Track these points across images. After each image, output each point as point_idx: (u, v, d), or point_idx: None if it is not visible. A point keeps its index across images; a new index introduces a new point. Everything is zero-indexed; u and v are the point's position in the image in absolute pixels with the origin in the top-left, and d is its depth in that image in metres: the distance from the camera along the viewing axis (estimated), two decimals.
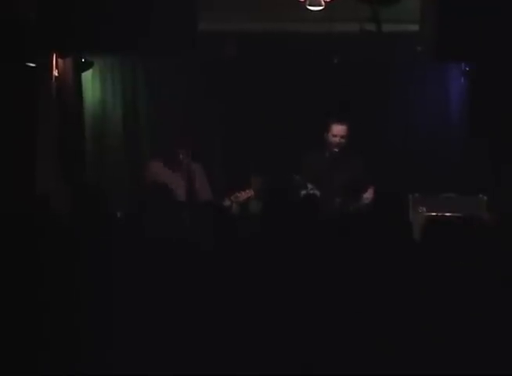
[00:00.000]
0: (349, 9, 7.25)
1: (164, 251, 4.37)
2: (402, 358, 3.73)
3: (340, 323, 3.88)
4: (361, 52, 7.80)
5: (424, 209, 6.76)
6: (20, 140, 6.95)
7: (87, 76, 8.05)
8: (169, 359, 3.83)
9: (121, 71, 8.35)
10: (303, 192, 6.74)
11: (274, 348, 3.83)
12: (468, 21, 6.75)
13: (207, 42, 7.49)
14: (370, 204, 6.40)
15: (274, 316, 3.92)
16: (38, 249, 4.32)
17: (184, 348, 3.85)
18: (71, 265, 4.21)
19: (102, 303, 3.97)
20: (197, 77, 8.23)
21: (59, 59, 7.39)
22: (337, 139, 7.16)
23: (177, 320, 3.92)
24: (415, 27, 7.38)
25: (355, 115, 7.66)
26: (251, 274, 4.12)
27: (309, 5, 7.24)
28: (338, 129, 7.19)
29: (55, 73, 7.34)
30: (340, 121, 7.19)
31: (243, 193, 6.70)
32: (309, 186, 6.84)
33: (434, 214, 6.59)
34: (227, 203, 6.65)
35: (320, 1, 7.20)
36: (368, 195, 6.75)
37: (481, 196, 7.00)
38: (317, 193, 6.75)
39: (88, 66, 7.82)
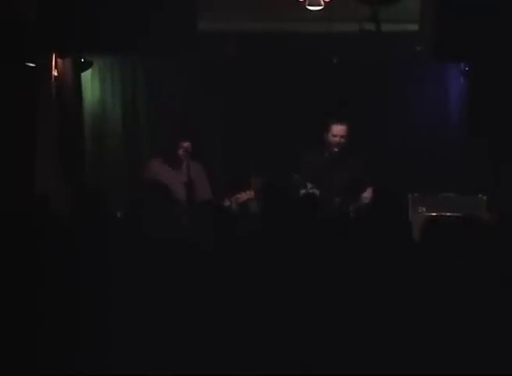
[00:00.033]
0: (348, 8, 7.25)
1: (163, 251, 4.37)
2: (402, 358, 3.74)
3: (339, 323, 3.89)
4: (360, 52, 7.80)
5: (424, 209, 6.77)
6: (20, 140, 6.95)
7: (86, 76, 8.05)
8: (169, 359, 3.84)
9: (121, 71, 8.35)
10: (302, 191, 6.75)
11: (274, 348, 3.83)
12: (467, 21, 6.75)
13: (207, 42, 7.50)
14: (370, 204, 6.40)
15: (274, 315, 3.92)
16: (38, 249, 4.31)
17: (184, 348, 3.85)
18: (71, 265, 4.21)
19: (102, 303, 3.98)
20: (197, 77, 8.23)
21: (59, 59, 7.39)
22: (336, 139, 7.17)
23: (177, 320, 3.93)
24: (414, 27, 7.38)
25: (354, 115, 7.67)
26: (251, 273, 4.12)
27: (309, 5, 7.24)
28: (338, 129, 7.20)
29: (55, 73, 7.34)
30: (339, 121, 7.20)
31: (243, 194, 6.70)
32: (309, 185, 6.85)
33: (433, 214, 6.60)
34: (227, 203, 6.66)
35: (319, 1, 7.20)
36: (367, 195, 6.76)
37: (480, 195, 7.00)
38: (316, 192, 6.76)
39: (87, 66, 7.82)
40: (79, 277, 4.13)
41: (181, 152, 7.26)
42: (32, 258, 4.21)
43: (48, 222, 4.76)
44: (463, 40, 6.81)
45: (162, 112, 8.23)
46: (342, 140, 7.19)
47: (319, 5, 7.22)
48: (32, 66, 6.94)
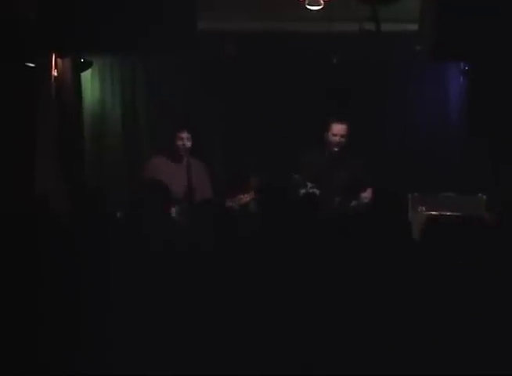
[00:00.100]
0: (348, 8, 7.25)
1: (163, 251, 4.37)
2: (402, 358, 3.74)
3: (339, 323, 3.89)
4: (360, 52, 7.80)
5: (423, 208, 6.77)
6: (20, 140, 6.95)
7: (86, 76, 8.04)
8: (169, 359, 3.84)
9: (121, 71, 8.35)
10: (302, 191, 6.75)
11: (274, 348, 3.84)
12: (467, 21, 6.74)
13: (206, 42, 7.49)
14: (370, 203, 6.40)
15: (274, 315, 3.92)
16: (38, 249, 4.32)
17: (184, 348, 3.85)
18: (71, 265, 4.21)
19: (102, 303, 3.98)
20: (197, 77, 8.23)
21: (59, 59, 7.39)
22: (337, 139, 7.19)
23: (177, 320, 3.93)
24: (414, 27, 7.38)
25: (354, 114, 7.67)
26: (251, 273, 4.12)
27: (308, 5, 7.23)
28: (338, 128, 7.21)
29: (55, 73, 7.33)
30: (340, 121, 7.21)
31: (245, 195, 6.70)
32: (309, 184, 6.85)
33: (433, 213, 6.60)
34: (229, 204, 6.66)
35: (319, 1, 7.19)
36: (367, 194, 6.76)
37: (480, 195, 7.00)
38: (316, 192, 6.76)
39: (87, 66, 7.81)
40: (79, 277, 4.13)
41: (179, 143, 7.26)
42: (32, 258, 4.21)
43: (48, 222, 4.77)
44: (463, 40, 6.81)
45: (162, 112, 8.23)
46: (342, 139, 7.20)
47: (319, 5, 7.22)
48: (32, 66, 6.94)
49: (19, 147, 6.92)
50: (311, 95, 8.04)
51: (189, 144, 7.30)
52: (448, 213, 6.34)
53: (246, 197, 6.70)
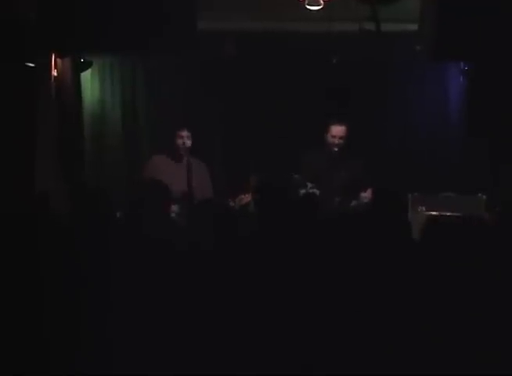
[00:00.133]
0: (348, 8, 7.25)
1: (163, 251, 4.37)
2: (402, 358, 3.74)
3: (339, 323, 3.89)
4: (360, 52, 7.80)
5: (423, 208, 6.77)
6: (20, 140, 6.94)
7: (86, 76, 8.05)
8: (169, 359, 3.84)
9: (120, 71, 8.35)
10: (302, 191, 6.75)
11: (274, 347, 3.84)
12: (467, 21, 6.74)
13: (206, 41, 7.49)
14: (370, 203, 6.40)
15: (274, 315, 3.92)
16: (38, 248, 4.32)
17: (184, 348, 3.85)
18: (71, 265, 4.21)
19: (103, 303, 3.98)
20: (197, 77, 8.23)
21: (59, 59, 7.39)
22: (335, 140, 7.20)
23: (177, 320, 3.93)
24: (414, 27, 7.37)
25: (353, 114, 7.68)
26: (251, 273, 4.12)
27: (308, 5, 7.23)
28: (337, 130, 7.22)
29: (55, 73, 7.33)
30: (339, 122, 7.22)
31: (246, 195, 6.71)
32: (309, 184, 6.86)
33: (433, 213, 6.60)
34: (231, 204, 6.66)
35: (319, 1, 7.19)
36: (367, 194, 6.76)
37: (480, 195, 7.00)
38: (316, 192, 6.76)
39: (87, 65, 7.81)
40: (79, 277, 4.13)
41: (179, 142, 7.26)
42: (32, 258, 4.21)
43: (48, 222, 4.77)
44: (463, 40, 6.81)
45: (162, 112, 8.23)
46: (341, 141, 7.22)
47: (319, 5, 7.21)
48: (32, 66, 6.94)
49: (19, 147, 6.92)
50: (311, 95, 8.04)
51: (189, 143, 7.30)
52: (448, 213, 6.35)
53: (246, 197, 6.70)
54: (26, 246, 4.30)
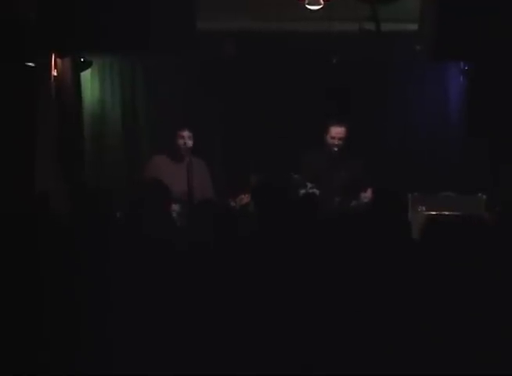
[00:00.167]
0: (348, 8, 7.25)
1: (163, 251, 4.37)
2: (402, 358, 3.74)
3: (340, 323, 3.89)
4: (360, 52, 7.80)
5: (423, 208, 6.77)
6: (20, 140, 6.95)
7: (86, 75, 8.05)
8: (169, 359, 3.84)
9: (120, 71, 8.35)
10: (302, 191, 6.75)
11: (274, 347, 3.84)
12: (467, 20, 6.74)
13: (206, 41, 7.49)
14: (369, 203, 6.41)
15: (274, 315, 3.92)
16: (38, 248, 4.32)
17: (184, 348, 3.85)
18: (71, 265, 4.21)
19: (102, 303, 3.98)
20: (196, 77, 8.23)
21: (59, 59, 7.39)
22: (335, 141, 7.21)
23: (177, 320, 3.93)
24: (414, 27, 7.37)
25: (353, 114, 7.68)
26: (251, 273, 4.12)
27: (308, 4, 7.23)
28: (337, 131, 7.23)
29: (55, 73, 7.34)
30: (338, 123, 7.22)
31: (246, 195, 6.71)
32: (308, 184, 6.85)
33: (433, 213, 6.60)
34: (231, 204, 6.66)
35: (319, 1, 7.19)
36: (367, 194, 6.76)
37: (480, 195, 7.00)
38: (316, 192, 6.76)
39: (87, 65, 7.82)
40: (79, 277, 4.13)
41: (180, 142, 7.26)
42: (32, 258, 4.21)
43: (48, 222, 4.77)
44: (463, 39, 6.81)
45: (162, 112, 8.23)
46: (340, 142, 7.22)
47: (319, 5, 7.21)
48: (32, 66, 6.94)
49: (19, 147, 6.92)
50: (311, 95, 8.04)
51: (190, 143, 7.29)
52: (447, 212, 6.35)
53: (246, 197, 6.70)
54: (26, 246, 4.30)
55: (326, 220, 4.90)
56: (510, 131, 7.56)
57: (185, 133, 7.27)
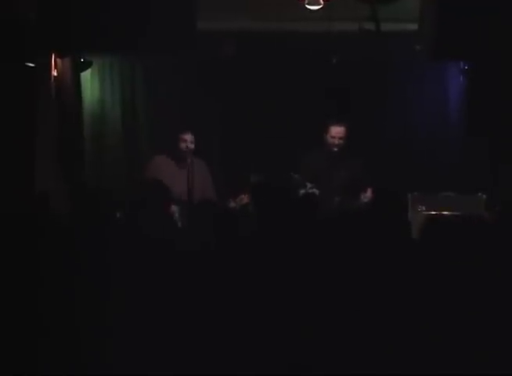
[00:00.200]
0: (348, 7, 7.25)
1: (163, 250, 4.37)
2: (402, 358, 3.74)
3: (339, 323, 3.89)
4: (360, 51, 7.80)
5: (423, 208, 6.77)
6: (20, 140, 6.95)
7: (86, 75, 8.05)
8: (169, 359, 3.84)
9: (120, 71, 8.36)
10: (302, 191, 6.75)
11: (274, 347, 3.84)
12: (467, 20, 6.74)
13: (205, 41, 7.49)
14: (369, 203, 6.41)
15: (273, 315, 3.93)
16: (38, 249, 4.32)
17: (184, 348, 3.85)
18: (71, 265, 4.21)
19: (102, 303, 3.98)
20: (196, 77, 8.23)
21: (58, 59, 7.39)
22: (335, 141, 7.21)
23: (177, 320, 3.93)
24: (414, 26, 7.38)
25: (353, 114, 7.68)
26: (251, 273, 4.12)
27: (308, 4, 7.23)
28: (336, 131, 7.23)
29: (55, 73, 7.34)
30: (338, 123, 7.22)
31: (246, 195, 6.70)
32: (308, 184, 6.85)
33: (433, 213, 6.60)
34: (232, 204, 6.66)
35: (319, 1, 7.19)
36: (367, 194, 6.76)
37: (479, 194, 7.00)
38: (316, 191, 6.76)
39: (87, 65, 7.82)
40: (79, 277, 4.13)
41: (183, 145, 7.26)
42: (32, 258, 4.21)
43: (48, 222, 4.77)
44: (463, 39, 6.81)
45: (161, 112, 8.23)
46: (340, 142, 7.22)
47: (319, 5, 7.21)
48: (32, 66, 6.94)
49: (19, 147, 6.92)
50: (311, 95, 8.04)
51: (192, 146, 7.29)
52: (447, 212, 6.35)
53: (246, 197, 6.70)
54: (26, 246, 4.30)
55: (325, 220, 4.90)
56: (510, 131, 7.56)
57: (188, 137, 7.27)
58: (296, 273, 4.11)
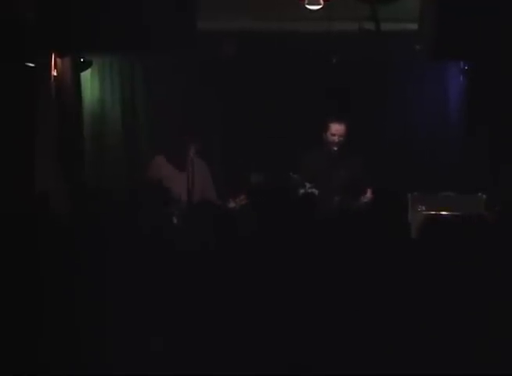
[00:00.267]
0: (348, 7, 7.25)
1: (163, 250, 4.37)
2: (402, 357, 3.74)
3: (339, 323, 3.89)
4: (360, 51, 7.80)
5: (423, 208, 6.77)
6: (20, 140, 6.95)
7: (86, 75, 8.05)
8: (169, 359, 3.84)
9: (120, 70, 8.36)
10: (301, 191, 6.75)
11: (274, 347, 3.84)
12: (467, 20, 6.75)
13: (205, 41, 7.49)
14: (369, 203, 6.41)
15: (273, 315, 3.93)
16: (38, 248, 4.32)
17: (184, 348, 3.85)
18: (71, 265, 4.21)
19: (102, 303, 3.98)
20: (196, 76, 8.23)
21: (58, 59, 7.39)
22: (335, 138, 7.20)
23: (177, 320, 3.93)
24: (414, 26, 7.38)
25: (353, 114, 7.68)
26: (250, 273, 4.12)
27: (308, 4, 7.23)
28: (337, 128, 7.22)
29: (55, 73, 7.34)
30: (338, 120, 7.22)
31: (246, 195, 6.69)
32: (307, 184, 6.85)
33: (432, 212, 6.60)
34: (232, 204, 6.66)
35: (319, 1, 7.19)
36: (367, 194, 6.76)
37: (479, 194, 7.00)
38: (315, 191, 6.76)
39: (87, 65, 7.82)
40: (79, 277, 4.13)
41: (183, 145, 7.25)
42: (32, 258, 4.22)
43: (48, 222, 4.77)
44: (463, 39, 6.81)
45: (161, 111, 8.23)
46: (341, 139, 7.21)
47: (319, 4, 7.21)
48: (32, 66, 6.94)
49: (19, 147, 6.92)
50: (311, 95, 8.04)
51: (192, 146, 7.28)
52: (447, 212, 6.35)
53: (246, 197, 6.69)
54: (26, 246, 4.30)
55: (325, 220, 4.90)
56: (510, 131, 7.56)
57: (191, 137, 7.25)
58: (295, 273, 4.11)
